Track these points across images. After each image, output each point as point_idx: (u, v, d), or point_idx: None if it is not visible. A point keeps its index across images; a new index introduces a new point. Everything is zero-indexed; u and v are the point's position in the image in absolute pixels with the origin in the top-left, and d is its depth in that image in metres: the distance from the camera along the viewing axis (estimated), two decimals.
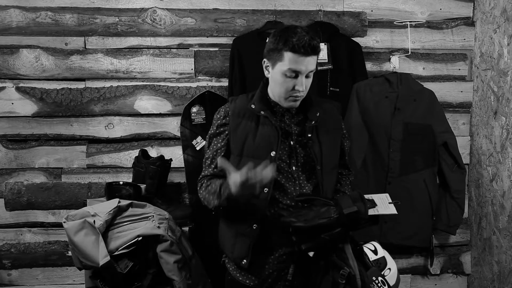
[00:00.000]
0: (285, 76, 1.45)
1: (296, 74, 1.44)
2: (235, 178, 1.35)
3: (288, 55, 1.42)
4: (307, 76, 1.46)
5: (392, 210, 1.43)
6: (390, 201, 1.46)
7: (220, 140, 1.58)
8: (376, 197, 1.46)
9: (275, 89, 1.52)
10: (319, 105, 1.60)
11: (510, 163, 2.13)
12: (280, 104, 1.54)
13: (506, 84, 2.15)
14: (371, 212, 1.39)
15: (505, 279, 2.18)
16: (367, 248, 1.49)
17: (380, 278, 1.37)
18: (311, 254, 1.41)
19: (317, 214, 1.37)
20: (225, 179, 1.45)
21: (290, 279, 1.52)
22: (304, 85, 1.45)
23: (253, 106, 1.55)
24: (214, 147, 1.59)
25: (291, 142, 1.54)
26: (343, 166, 1.72)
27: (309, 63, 1.43)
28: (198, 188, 1.61)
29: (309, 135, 1.53)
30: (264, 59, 1.52)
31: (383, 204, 1.44)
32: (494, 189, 2.26)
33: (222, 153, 1.58)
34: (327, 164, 1.55)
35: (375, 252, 1.49)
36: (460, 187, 2.32)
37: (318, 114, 1.56)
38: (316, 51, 1.43)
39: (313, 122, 1.54)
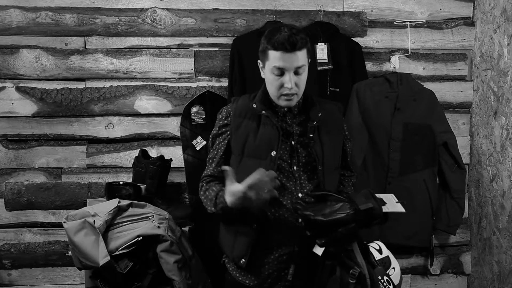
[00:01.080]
0: (274, 75, 1.45)
1: (281, 71, 1.44)
2: (232, 189, 1.37)
3: (272, 54, 1.43)
4: (297, 73, 1.45)
5: (400, 208, 1.43)
6: (397, 200, 1.46)
7: (221, 140, 1.59)
8: (383, 196, 1.46)
9: (269, 89, 1.53)
10: (321, 106, 1.60)
11: (510, 163, 2.13)
12: (278, 104, 1.54)
13: (506, 84, 2.15)
14: (383, 209, 1.38)
15: (505, 279, 2.18)
16: (372, 248, 1.49)
17: (385, 278, 1.37)
18: (319, 252, 1.40)
19: (333, 209, 1.35)
20: (222, 187, 1.48)
21: (290, 280, 1.51)
22: (292, 81, 1.44)
23: (254, 106, 1.55)
24: (216, 147, 1.60)
25: (292, 142, 1.54)
26: (345, 167, 1.71)
27: (293, 60, 1.42)
28: (199, 189, 1.61)
29: (311, 135, 1.53)
30: (258, 60, 1.54)
31: (391, 203, 1.44)
32: (494, 189, 2.26)
33: (223, 153, 1.58)
34: (328, 164, 1.55)
35: (380, 251, 1.48)
36: (460, 187, 2.32)
37: (319, 115, 1.56)
38: (295, 47, 1.40)
39: (315, 122, 1.54)
